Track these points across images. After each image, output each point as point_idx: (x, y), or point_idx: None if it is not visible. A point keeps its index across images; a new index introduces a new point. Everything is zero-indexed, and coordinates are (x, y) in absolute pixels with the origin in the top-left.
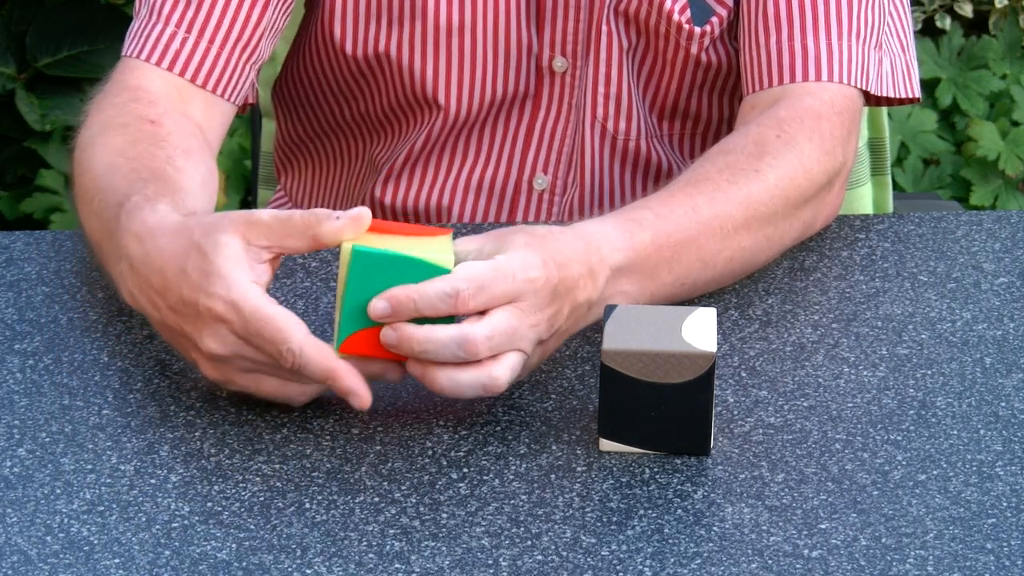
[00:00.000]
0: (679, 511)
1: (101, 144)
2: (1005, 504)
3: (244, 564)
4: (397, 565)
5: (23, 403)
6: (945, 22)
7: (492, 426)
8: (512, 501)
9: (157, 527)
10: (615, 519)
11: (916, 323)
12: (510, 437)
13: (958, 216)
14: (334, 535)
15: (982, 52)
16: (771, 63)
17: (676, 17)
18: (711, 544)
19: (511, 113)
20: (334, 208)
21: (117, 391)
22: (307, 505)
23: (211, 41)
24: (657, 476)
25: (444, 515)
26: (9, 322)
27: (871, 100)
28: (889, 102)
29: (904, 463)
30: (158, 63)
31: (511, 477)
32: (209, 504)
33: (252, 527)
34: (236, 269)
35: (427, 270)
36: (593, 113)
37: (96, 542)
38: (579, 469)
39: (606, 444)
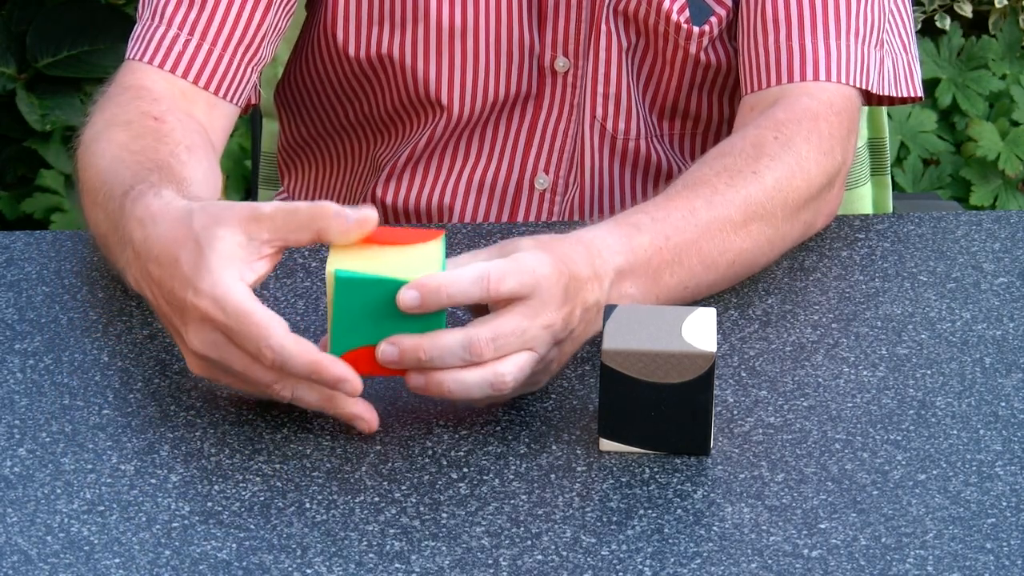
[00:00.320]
0: (679, 511)
1: (105, 140)
2: (1005, 504)
3: (244, 564)
4: (397, 565)
5: (23, 403)
6: (945, 22)
7: (492, 426)
8: (512, 501)
9: (157, 527)
10: (615, 519)
11: (916, 323)
12: (510, 437)
13: (958, 216)
14: (334, 535)
15: (982, 52)
16: (769, 63)
17: (675, 17)
18: (711, 544)
19: (513, 113)
20: None
21: (117, 391)
22: (307, 505)
23: (213, 43)
24: (657, 476)
25: (444, 515)
26: (9, 322)
27: (873, 99)
28: (891, 101)
29: (904, 463)
30: (161, 66)
31: (511, 477)
32: (209, 504)
33: (252, 527)
34: (226, 266)
35: None
36: (593, 113)
37: (96, 542)
38: (579, 469)
39: (606, 444)
